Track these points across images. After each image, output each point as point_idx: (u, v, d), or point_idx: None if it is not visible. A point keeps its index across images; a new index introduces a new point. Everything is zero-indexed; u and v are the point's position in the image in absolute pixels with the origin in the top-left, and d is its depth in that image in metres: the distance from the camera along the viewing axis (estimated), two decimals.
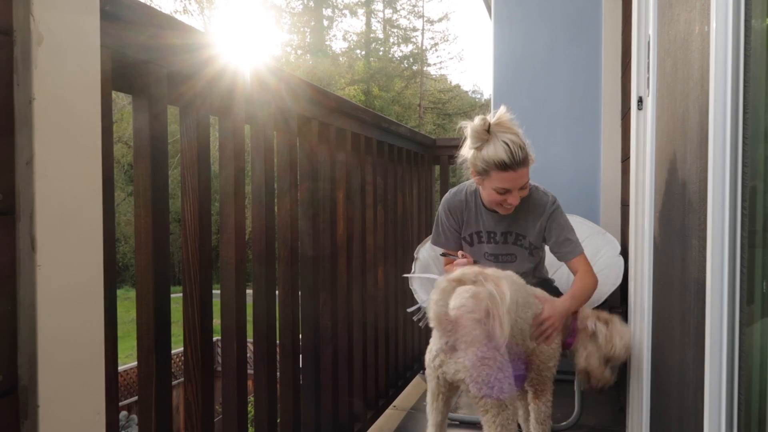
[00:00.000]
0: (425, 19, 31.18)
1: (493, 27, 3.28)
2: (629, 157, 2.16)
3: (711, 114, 0.96)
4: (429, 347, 1.70)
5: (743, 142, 0.91)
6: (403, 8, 31.00)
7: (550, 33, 3.17)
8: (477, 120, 1.98)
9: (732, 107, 0.92)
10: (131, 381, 11.14)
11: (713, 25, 0.95)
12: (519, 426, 2.17)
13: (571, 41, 3.12)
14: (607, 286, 2.31)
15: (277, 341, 1.69)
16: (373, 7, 30.85)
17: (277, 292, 1.69)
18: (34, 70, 0.77)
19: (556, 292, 2.37)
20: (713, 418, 0.95)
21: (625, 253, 2.38)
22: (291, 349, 1.79)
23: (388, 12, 31.06)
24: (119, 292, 8.27)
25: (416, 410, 2.66)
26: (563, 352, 1.99)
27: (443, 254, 2.32)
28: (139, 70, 1.15)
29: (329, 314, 2.02)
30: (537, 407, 1.91)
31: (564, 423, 2.37)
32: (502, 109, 2.00)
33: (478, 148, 1.99)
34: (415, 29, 31.12)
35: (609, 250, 2.56)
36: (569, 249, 2.12)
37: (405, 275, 2.51)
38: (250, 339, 1.56)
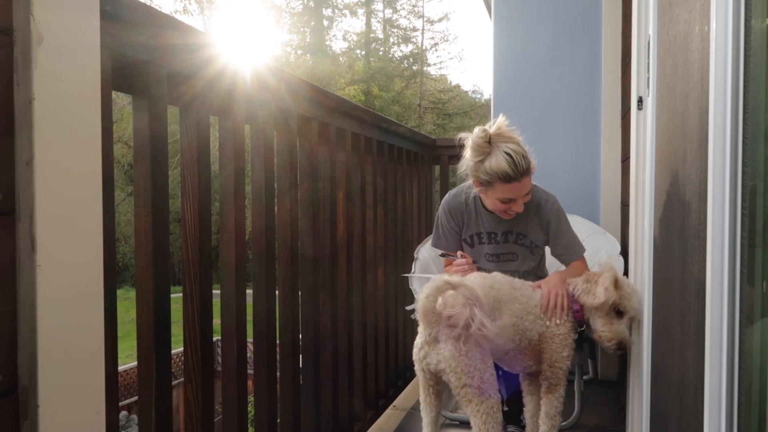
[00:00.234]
0: (425, 19, 31.19)
1: (493, 27, 3.28)
2: (629, 157, 2.16)
3: (711, 114, 0.96)
4: (415, 341, 1.73)
5: (743, 142, 0.91)
6: (403, 8, 31.02)
7: (550, 33, 3.17)
8: (477, 132, 1.95)
9: (732, 107, 0.92)
10: (131, 381, 11.14)
11: (713, 25, 0.95)
12: (523, 421, 2.17)
13: (571, 41, 3.12)
14: None
15: (277, 341, 1.69)
16: (373, 7, 30.85)
17: (277, 292, 1.69)
18: (34, 70, 0.77)
19: None
20: (713, 418, 0.95)
21: (625, 253, 2.38)
22: (291, 349, 1.79)
23: (388, 12, 31.07)
24: (119, 292, 8.27)
25: (416, 410, 2.66)
26: (579, 330, 1.96)
27: (442, 254, 2.32)
28: (139, 70, 1.15)
29: (329, 314, 2.02)
30: (549, 401, 1.92)
31: (564, 423, 2.37)
32: (501, 118, 1.97)
33: (480, 161, 1.97)
34: (415, 29, 31.13)
35: (609, 250, 2.56)
36: (573, 251, 2.14)
37: (405, 275, 2.51)
38: (250, 339, 1.56)
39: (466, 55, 57.82)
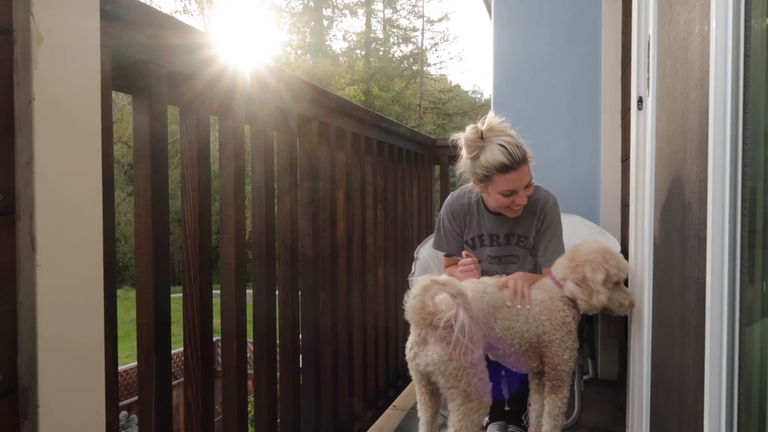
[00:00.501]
0: (425, 19, 31.19)
1: (493, 27, 3.28)
2: (629, 157, 2.16)
3: (711, 114, 0.96)
4: (407, 340, 1.74)
5: (743, 142, 0.91)
6: (403, 8, 31.01)
7: (550, 33, 3.17)
8: (468, 129, 1.99)
9: (732, 107, 0.92)
10: (131, 381, 11.14)
11: (713, 25, 0.95)
12: (524, 421, 2.17)
13: (571, 41, 3.12)
14: None
15: (277, 341, 1.69)
16: (373, 7, 30.85)
17: (277, 292, 1.69)
18: (34, 70, 0.77)
19: None
20: (713, 418, 0.95)
21: (625, 253, 2.38)
22: (291, 349, 1.79)
23: (388, 12, 31.06)
24: (119, 292, 8.27)
25: (416, 410, 2.65)
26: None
27: (447, 255, 2.31)
28: (139, 70, 1.15)
29: (329, 314, 2.02)
30: (552, 401, 1.93)
31: (564, 423, 2.37)
32: (491, 114, 2.00)
33: (476, 157, 1.99)
34: (415, 29, 31.12)
35: None
36: (555, 258, 2.08)
37: (409, 278, 2.50)
38: (250, 339, 1.56)
39: (466, 55, 57.82)
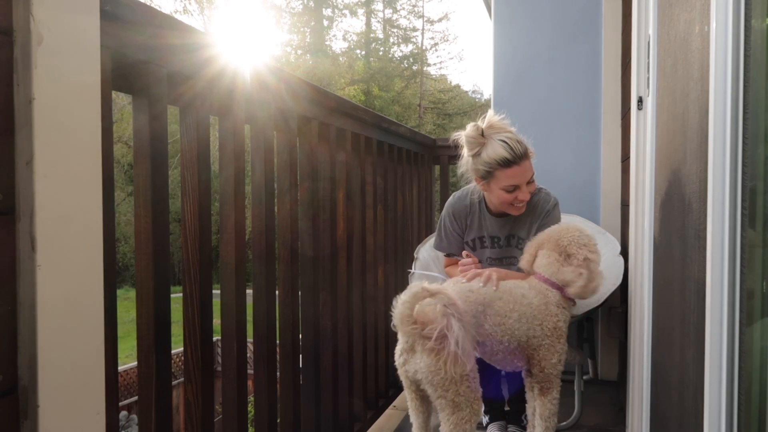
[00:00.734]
0: (425, 19, 31.19)
1: (493, 27, 3.28)
2: (629, 157, 2.16)
3: (711, 114, 0.96)
4: (396, 346, 1.71)
5: (743, 142, 0.91)
6: (403, 8, 31.01)
7: (550, 33, 3.17)
8: (469, 128, 2.00)
9: (732, 107, 0.92)
10: (131, 381, 11.14)
11: (713, 25, 0.95)
12: (524, 421, 2.17)
13: (571, 41, 3.12)
14: (607, 286, 2.31)
15: (277, 341, 1.69)
16: (373, 7, 30.85)
17: (277, 292, 1.69)
18: (34, 70, 0.77)
19: None
20: (713, 418, 0.95)
21: (625, 253, 2.38)
22: (291, 349, 1.79)
23: (388, 12, 31.06)
24: (119, 292, 8.27)
25: None
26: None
27: (448, 254, 2.31)
28: (139, 70, 1.15)
29: (329, 314, 2.02)
30: (542, 403, 1.91)
31: (564, 423, 2.37)
32: (490, 112, 2.02)
33: (477, 154, 1.99)
34: (415, 29, 31.12)
35: (609, 250, 2.56)
36: None
37: (409, 270, 2.51)
38: (250, 339, 1.56)
39: (466, 55, 57.83)
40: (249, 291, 1.53)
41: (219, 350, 8.97)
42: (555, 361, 1.88)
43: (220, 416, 1.49)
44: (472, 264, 2.12)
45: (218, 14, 27.31)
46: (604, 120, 3.04)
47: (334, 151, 2.07)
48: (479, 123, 2.00)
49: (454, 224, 2.21)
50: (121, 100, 18.28)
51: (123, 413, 9.24)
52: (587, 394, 2.56)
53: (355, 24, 40.02)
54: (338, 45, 33.71)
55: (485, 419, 2.24)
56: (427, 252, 2.59)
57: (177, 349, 7.98)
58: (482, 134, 1.98)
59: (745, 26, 0.91)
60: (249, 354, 1.64)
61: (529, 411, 2.05)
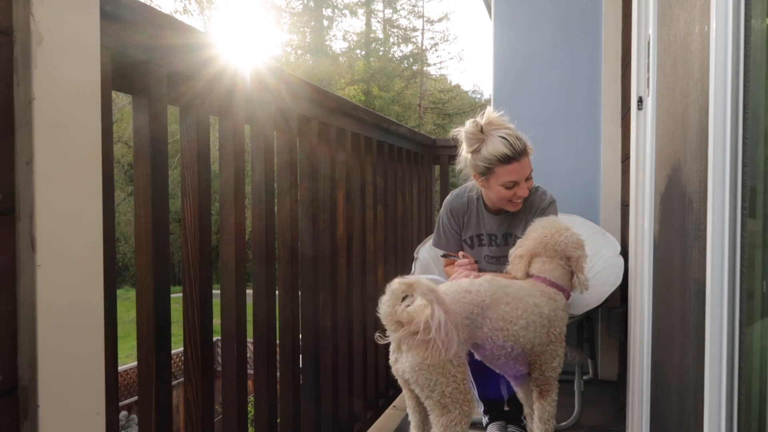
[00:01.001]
0: (425, 19, 31.18)
1: (493, 27, 3.28)
2: (629, 157, 2.16)
3: (711, 114, 0.96)
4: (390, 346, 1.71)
5: (743, 142, 0.91)
6: (403, 8, 31.00)
7: (550, 33, 3.17)
8: (468, 124, 2.00)
9: (732, 107, 0.92)
10: (131, 381, 11.14)
11: (713, 25, 0.95)
12: (524, 421, 2.17)
13: (571, 41, 3.12)
14: (607, 286, 2.31)
15: (277, 341, 1.69)
16: (373, 7, 30.85)
17: (277, 292, 1.69)
18: (34, 70, 0.77)
19: None
20: (713, 418, 0.95)
21: (625, 253, 2.38)
22: (291, 349, 1.79)
23: (388, 12, 31.06)
24: (119, 292, 8.27)
25: None
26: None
27: (444, 255, 2.32)
28: (139, 70, 1.15)
29: (329, 314, 2.02)
30: (542, 406, 1.90)
31: (564, 423, 2.37)
32: (489, 109, 2.03)
33: (476, 150, 2.00)
34: (415, 29, 31.12)
35: (609, 250, 2.56)
36: None
37: (407, 276, 2.50)
38: (250, 339, 1.56)
39: (466, 55, 57.84)
40: (249, 291, 1.53)
41: (219, 350, 8.97)
42: (555, 364, 1.88)
43: (220, 416, 1.49)
44: (468, 264, 2.13)
45: (218, 14, 27.31)
46: (604, 120, 3.04)
47: (334, 151, 2.07)
48: (478, 119, 2.00)
49: (451, 221, 2.22)
50: (121, 100, 18.28)
51: (123, 413, 9.25)
52: (587, 394, 2.56)
53: (355, 24, 40.02)
54: (338, 45, 33.72)
55: (485, 419, 2.24)
56: (427, 252, 2.60)
57: (177, 349, 7.98)
58: (481, 130, 1.98)
59: (745, 26, 0.91)
60: (249, 354, 1.64)
61: (525, 411, 2.05)
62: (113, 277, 1.00)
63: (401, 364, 1.64)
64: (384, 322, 1.62)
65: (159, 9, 1.18)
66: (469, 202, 2.20)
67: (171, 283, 1.25)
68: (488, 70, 3.37)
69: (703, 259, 1.00)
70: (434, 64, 31.66)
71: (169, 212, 1.26)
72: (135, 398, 9.42)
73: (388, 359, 2.62)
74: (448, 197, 2.27)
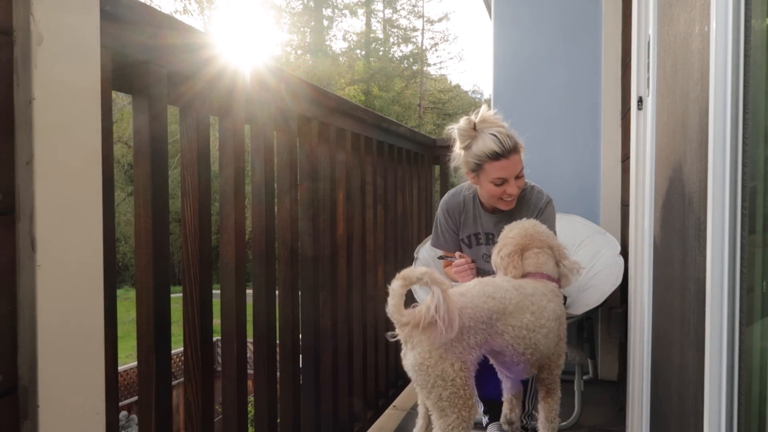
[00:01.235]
0: (425, 19, 31.19)
1: (493, 27, 3.28)
2: (629, 157, 2.16)
3: (711, 114, 0.96)
4: None
5: (743, 142, 0.91)
6: (403, 8, 31.01)
7: (550, 33, 3.17)
8: (462, 121, 2.03)
9: (732, 107, 0.92)
10: (131, 381, 11.14)
11: (713, 25, 0.95)
12: (525, 420, 2.17)
13: (571, 41, 3.12)
14: (607, 286, 2.31)
15: (277, 341, 1.69)
16: (373, 7, 30.85)
17: (277, 292, 1.69)
18: (34, 70, 0.77)
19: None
20: (713, 418, 0.95)
21: (625, 253, 2.38)
22: (291, 349, 1.79)
23: (388, 12, 31.06)
24: (119, 292, 8.27)
25: (416, 410, 2.66)
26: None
27: (440, 257, 2.33)
28: (139, 70, 1.15)
29: (329, 314, 2.02)
30: (548, 405, 1.89)
31: (564, 423, 2.37)
32: (484, 107, 2.06)
33: (468, 147, 2.03)
34: (415, 29, 31.12)
35: (609, 250, 2.56)
36: None
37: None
38: (250, 339, 1.56)
39: (466, 55, 57.88)
40: (249, 291, 1.53)
41: (219, 350, 8.97)
42: (561, 362, 1.88)
43: (220, 416, 1.49)
44: (465, 264, 2.14)
45: (218, 14, 27.31)
46: (604, 120, 3.04)
47: (334, 151, 2.07)
48: (472, 117, 2.03)
49: (448, 221, 2.23)
50: (121, 100, 18.28)
51: (123, 413, 9.24)
52: (587, 394, 2.56)
53: (355, 24, 40.04)
54: (338, 45, 33.73)
55: (485, 419, 2.24)
56: (427, 252, 2.60)
57: (177, 349, 7.98)
58: (474, 128, 2.02)
59: (745, 26, 0.91)
60: (249, 354, 1.64)
61: (504, 412, 2.05)
62: (113, 277, 1.00)
63: (406, 360, 1.64)
64: (393, 322, 1.63)
65: (159, 9, 1.18)
66: (465, 201, 2.21)
67: (171, 283, 1.25)
68: (488, 70, 3.37)
69: (703, 259, 1.00)
70: (434, 64, 31.68)
71: (169, 212, 1.26)
72: (135, 398, 9.41)
73: (388, 359, 2.63)
74: (445, 197, 2.29)
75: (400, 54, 31.04)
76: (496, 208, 2.16)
